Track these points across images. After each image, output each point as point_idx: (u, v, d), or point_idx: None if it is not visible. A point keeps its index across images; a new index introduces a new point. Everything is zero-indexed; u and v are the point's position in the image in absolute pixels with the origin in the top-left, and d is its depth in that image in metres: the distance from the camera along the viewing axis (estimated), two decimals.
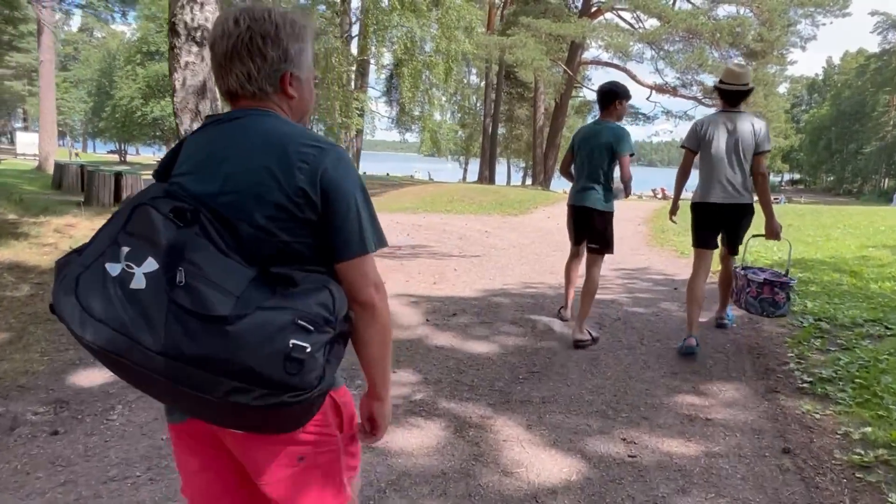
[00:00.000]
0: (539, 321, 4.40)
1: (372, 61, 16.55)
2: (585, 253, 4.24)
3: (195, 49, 5.28)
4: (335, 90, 16.10)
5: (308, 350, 0.94)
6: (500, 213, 12.01)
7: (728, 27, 19.15)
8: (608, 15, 23.18)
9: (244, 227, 1.05)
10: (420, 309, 4.63)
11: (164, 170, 1.16)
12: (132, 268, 0.96)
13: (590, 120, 31.75)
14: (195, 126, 5.39)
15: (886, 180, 63.91)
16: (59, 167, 14.82)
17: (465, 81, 46.99)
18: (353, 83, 18.04)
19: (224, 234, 1.01)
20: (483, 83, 28.94)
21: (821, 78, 74.69)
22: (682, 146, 4.04)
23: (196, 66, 5.31)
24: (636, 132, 71.04)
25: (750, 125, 3.72)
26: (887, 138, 60.23)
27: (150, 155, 61.87)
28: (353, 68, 16.92)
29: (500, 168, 51.38)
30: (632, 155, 3.89)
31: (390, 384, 1.25)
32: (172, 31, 5.26)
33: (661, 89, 24.53)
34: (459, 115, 49.24)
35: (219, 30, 1.12)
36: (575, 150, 4.10)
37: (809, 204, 36.78)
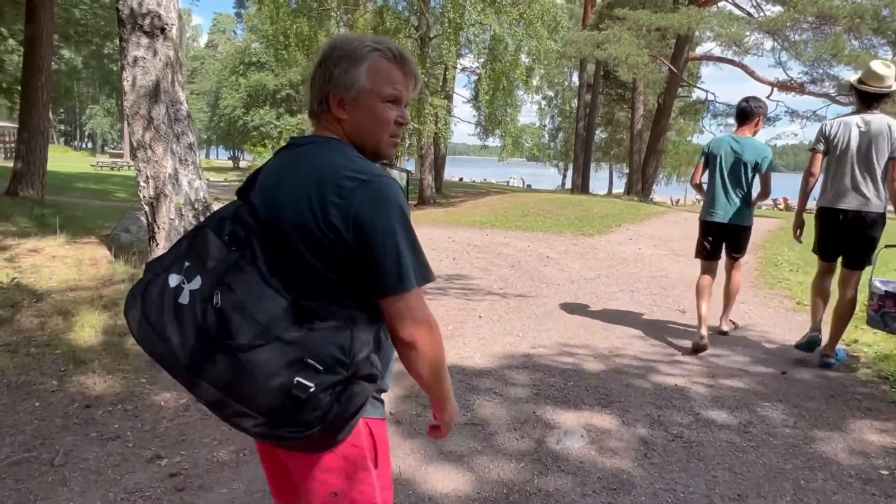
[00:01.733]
0: (556, 430, 2.90)
1: (449, 63, 15.26)
2: (724, 260, 4.47)
3: (145, 41, 4.26)
4: None
5: (311, 390, 0.96)
6: (575, 231, 10.33)
7: (872, 9, 15.98)
8: (721, 4, 20.49)
9: (288, 255, 1.08)
10: (390, 393, 3.28)
11: (245, 188, 1.20)
12: (184, 283, 1.06)
13: (708, 125, 28.76)
14: (147, 136, 4.40)
15: None
16: None
17: (567, 84, 44.87)
18: (429, 87, 16.97)
19: (270, 260, 1.05)
20: (573, 83, 26.84)
21: None
22: (811, 149, 3.88)
23: (147, 61, 4.29)
24: (756, 136, 64.54)
25: (886, 127, 3.53)
26: None
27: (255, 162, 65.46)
28: (426, 70, 15.79)
29: (602, 174, 48.63)
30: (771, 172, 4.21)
31: (449, 400, 1.23)
32: (119, 20, 4.30)
33: (784, 86, 21.29)
34: (559, 119, 47.15)
35: None
36: (713, 162, 4.23)
37: None
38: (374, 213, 1.06)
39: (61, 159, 41.70)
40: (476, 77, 18.53)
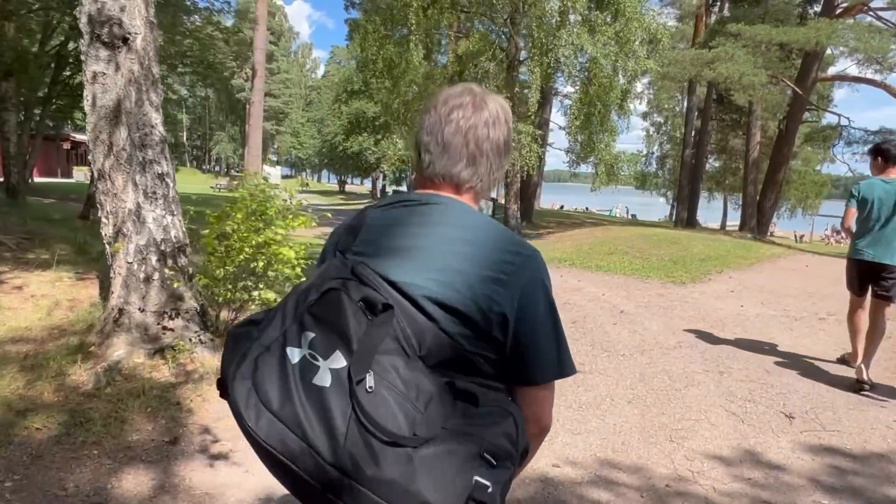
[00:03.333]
0: None
1: (533, 86, 14.19)
2: (870, 300, 4.46)
3: (104, 53, 3.62)
4: None
5: (490, 491, 0.84)
6: (665, 277, 8.78)
7: None
8: (860, 16, 17.81)
9: (427, 327, 0.95)
10: None
11: (343, 243, 1.10)
12: (317, 359, 0.87)
13: (840, 154, 25.26)
14: (107, 165, 3.74)
15: None
16: None
17: (678, 109, 41.99)
18: (516, 113, 15.98)
19: (409, 333, 0.93)
20: (685, 108, 24.62)
21: None
22: None
23: (107, 77, 3.65)
24: None
25: None
26: None
27: (359, 184, 67.58)
28: (513, 95, 14.81)
29: (716, 205, 44.82)
30: None
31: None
32: (78, 30, 3.70)
33: None
34: (668, 146, 44.20)
35: None
36: (866, 206, 4.35)
37: None
38: (538, 295, 1.03)
39: (189, 181, 45.39)
40: (569, 102, 17.27)
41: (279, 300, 1.06)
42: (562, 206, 53.10)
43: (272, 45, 63.99)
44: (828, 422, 3.56)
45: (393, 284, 0.98)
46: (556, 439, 3.28)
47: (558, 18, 13.74)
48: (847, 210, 4.53)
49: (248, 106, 26.83)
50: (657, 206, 55.06)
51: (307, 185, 61.33)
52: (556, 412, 3.58)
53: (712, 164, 41.00)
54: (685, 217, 23.59)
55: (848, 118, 21.21)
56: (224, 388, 0.93)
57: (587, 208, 54.95)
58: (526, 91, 15.63)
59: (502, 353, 1.02)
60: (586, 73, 16.23)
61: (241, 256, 4.06)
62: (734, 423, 3.56)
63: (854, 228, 4.51)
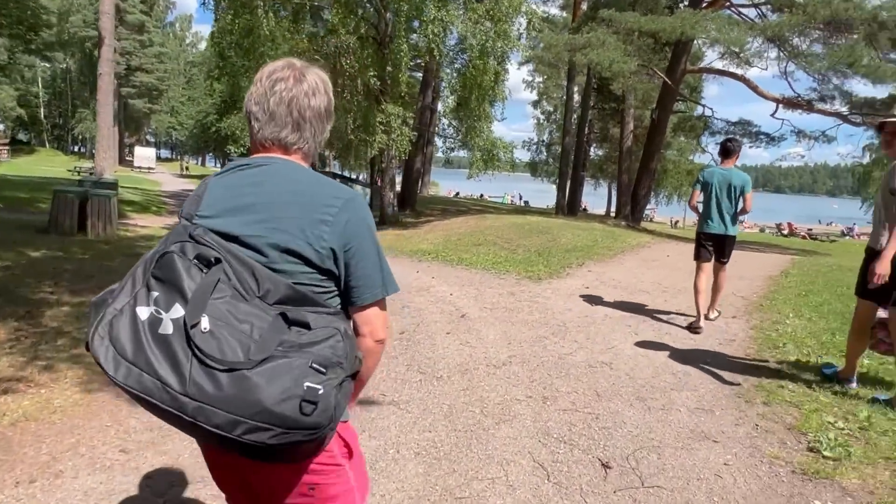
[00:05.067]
0: None
1: (402, 64, 13.13)
2: (713, 264, 5.63)
3: None
4: (347, 100, 13.05)
5: (321, 392, 1.02)
6: (524, 271, 8.14)
7: (892, 19, 13.88)
8: (724, 12, 18.38)
9: (264, 272, 1.12)
10: None
11: (190, 210, 1.22)
12: (160, 313, 1.04)
13: (705, 144, 26.53)
14: None
15: None
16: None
17: (563, 97, 42.82)
18: (388, 93, 14.86)
19: (245, 278, 1.10)
20: (565, 96, 24.68)
21: None
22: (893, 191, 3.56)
23: None
24: (757, 155, 62.91)
25: None
26: None
27: None
28: (381, 74, 13.65)
29: (603, 192, 46.40)
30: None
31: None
32: None
33: (791, 103, 19.13)
34: (557, 133, 45.00)
35: None
36: (707, 189, 5.52)
37: None
38: (361, 229, 1.23)
39: (46, 163, 39.75)
40: (444, 85, 16.40)
41: None
42: (457, 194, 52.86)
43: (143, 16, 58.08)
44: (649, 471, 2.85)
45: (235, 239, 1.16)
46: None
47: None
48: (693, 192, 5.68)
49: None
50: (550, 193, 56.49)
51: (187, 168, 56.52)
52: None
53: (595, 152, 42.33)
54: (566, 205, 23.71)
55: (712, 109, 22.13)
56: (88, 348, 1.07)
57: (482, 195, 55.19)
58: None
59: (338, 284, 1.24)
60: (460, 54, 15.49)
61: None
62: (537, 483, 2.76)
63: (700, 208, 5.63)
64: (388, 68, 14.17)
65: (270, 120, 1.26)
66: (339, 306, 1.23)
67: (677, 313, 6.10)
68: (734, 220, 5.50)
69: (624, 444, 3.14)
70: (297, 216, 1.17)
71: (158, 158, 69.52)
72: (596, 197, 49.45)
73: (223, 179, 1.25)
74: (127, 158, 56.72)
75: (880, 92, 23.63)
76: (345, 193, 1.23)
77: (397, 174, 21.88)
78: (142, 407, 1.06)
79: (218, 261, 1.09)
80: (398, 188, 21.93)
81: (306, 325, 1.08)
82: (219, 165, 60.42)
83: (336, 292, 1.23)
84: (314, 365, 1.03)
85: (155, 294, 1.05)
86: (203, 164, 76.26)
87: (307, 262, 1.16)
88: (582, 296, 6.80)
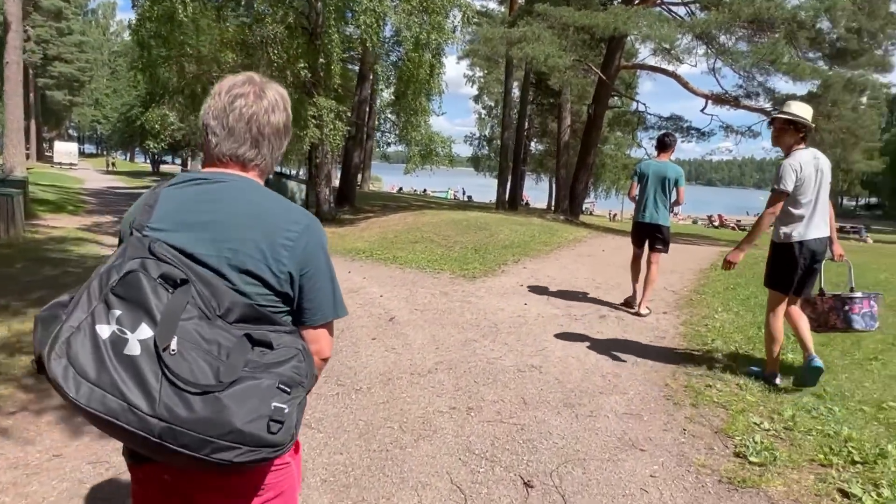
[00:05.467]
0: None
1: (334, 55, 12.65)
2: (648, 253, 5.94)
3: None
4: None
5: (286, 411, 1.05)
6: (458, 269, 7.94)
7: (809, 19, 14.47)
8: (655, 10, 18.76)
9: (225, 291, 1.12)
10: None
11: (141, 221, 1.19)
12: (125, 332, 1.01)
13: (639, 139, 27.18)
14: None
15: None
16: None
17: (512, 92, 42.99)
18: (321, 86, 14.32)
19: (208, 298, 1.09)
20: (504, 91, 24.69)
21: None
22: (779, 189, 3.72)
23: None
24: (689, 149, 65.47)
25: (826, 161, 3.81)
26: None
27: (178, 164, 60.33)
28: (304, 65, 13.11)
29: (543, 186, 46.97)
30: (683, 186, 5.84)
31: None
32: None
33: (719, 99, 19.76)
34: (499, 129, 45.26)
35: None
36: (643, 180, 5.84)
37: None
38: (318, 252, 1.25)
39: None
40: (378, 78, 15.99)
41: None
42: (400, 189, 52.35)
43: (60, 1, 54.48)
44: (573, 489, 2.67)
45: (191, 256, 1.13)
46: None
47: None
48: (631, 184, 6.01)
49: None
50: (493, 188, 56.76)
51: (113, 164, 53.39)
52: None
53: (536, 147, 42.80)
54: (507, 199, 23.77)
55: (646, 105, 22.64)
56: (42, 367, 1.02)
57: (425, 190, 54.91)
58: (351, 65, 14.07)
59: (291, 304, 1.24)
60: (395, 47, 15.14)
61: None
62: None
63: (638, 198, 5.93)
64: (321, 60, 13.66)
65: (229, 136, 1.25)
66: (291, 324, 1.26)
67: (610, 307, 6.03)
68: (668, 210, 5.84)
69: (548, 458, 2.95)
70: (257, 238, 1.17)
71: (82, 154, 65.49)
72: (538, 191, 50.13)
73: (178, 192, 1.22)
74: (46, 154, 53.25)
75: (800, 89, 24.83)
76: (304, 218, 1.25)
77: (336, 169, 21.33)
78: (98, 428, 1.03)
79: (185, 281, 1.07)
80: (336, 184, 21.39)
81: (269, 345, 1.10)
82: (148, 161, 57.52)
83: (288, 311, 1.24)
84: (280, 385, 1.05)
85: (117, 312, 1.02)
86: (132, 159, 72.50)
87: (266, 284, 1.17)
88: (516, 294, 6.65)
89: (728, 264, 3.97)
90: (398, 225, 13.50)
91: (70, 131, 73.25)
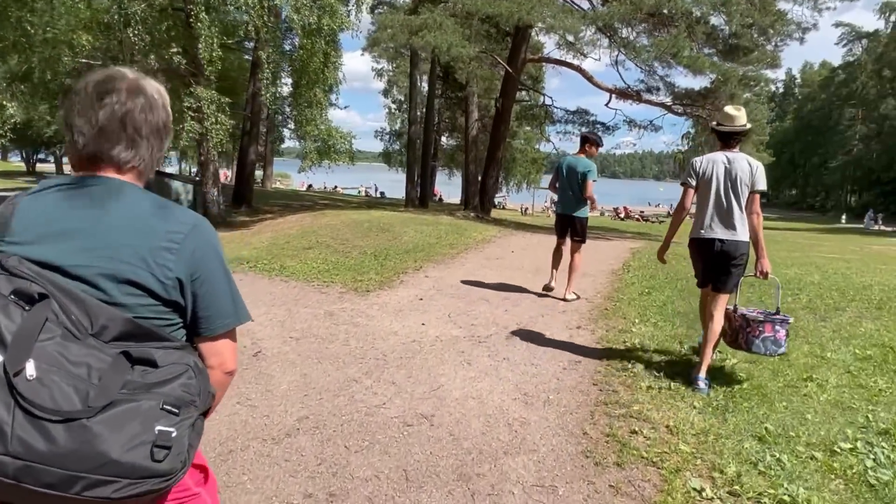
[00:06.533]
0: None
1: (206, 40, 11.18)
2: (569, 243, 6.39)
3: None
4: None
5: (174, 435, 0.93)
6: (351, 282, 6.96)
7: (704, 15, 14.64)
8: (559, 2, 18.49)
9: (98, 306, 0.99)
10: None
11: None
12: None
13: (546, 133, 27.17)
14: None
15: (851, 196, 61.84)
16: None
17: (419, 85, 42.08)
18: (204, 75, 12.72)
19: (76, 314, 0.97)
20: (409, 83, 23.73)
21: (780, 91, 72.85)
22: (682, 183, 4.08)
23: None
24: None
25: (746, 164, 3.82)
26: (854, 152, 58.06)
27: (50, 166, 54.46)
28: (176, 50, 11.57)
29: (457, 181, 46.50)
30: (594, 181, 6.07)
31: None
32: None
33: (623, 94, 19.94)
34: (409, 124, 44.32)
35: None
36: (559, 174, 6.27)
37: (784, 228, 32.92)
38: (209, 255, 1.12)
39: None
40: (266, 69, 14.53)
41: None
42: (310, 186, 50.16)
43: None
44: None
45: (59, 270, 1.00)
46: None
47: None
48: (552, 177, 6.51)
49: None
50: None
51: None
52: None
53: (448, 141, 42.28)
54: (417, 197, 22.92)
55: (552, 98, 22.54)
56: None
57: (335, 187, 53.03)
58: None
59: (184, 315, 1.11)
60: (289, 34, 13.83)
61: None
62: None
63: (558, 191, 6.42)
64: (200, 45, 12.12)
65: (100, 135, 1.10)
66: (185, 339, 1.13)
67: (518, 326, 5.29)
68: (580, 202, 6.14)
69: None
70: (136, 244, 1.04)
71: None
72: (452, 186, 49.71)
73: (38, 200, 1.08)
74: None
75: (697, 84, 25.63)
76: (190, 218, 1.13)
77: (231, 167, 19.57)
78: None
79: (43, 296, 0.94)
80: (230, 182, 19.64)
81: (152, 363, 0.98)
82: (22, 160, 51.83)
83: (181, 324, 1.12)
84: (165, 406, 0.94)
85: None
86: (4, 158, 65.14)
87: (150, 293, 1.05)
88: (414, 311, 5.77)
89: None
90: (293, 228, 12.27)
91: None
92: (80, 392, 0.88)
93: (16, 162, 59.68)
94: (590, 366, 4.27)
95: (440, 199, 43.70)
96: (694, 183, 3.94)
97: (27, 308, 0.91)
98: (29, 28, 10.59)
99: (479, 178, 21.12)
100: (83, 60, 11.22)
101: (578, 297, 6.27)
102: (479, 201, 20.15)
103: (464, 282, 7.14)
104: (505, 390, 3.81)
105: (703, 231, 3.89)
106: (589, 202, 6.19)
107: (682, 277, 7.36)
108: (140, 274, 1.03)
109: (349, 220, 12.58)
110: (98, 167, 1.12)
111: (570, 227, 6.26)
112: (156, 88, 1.18)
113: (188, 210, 1.16)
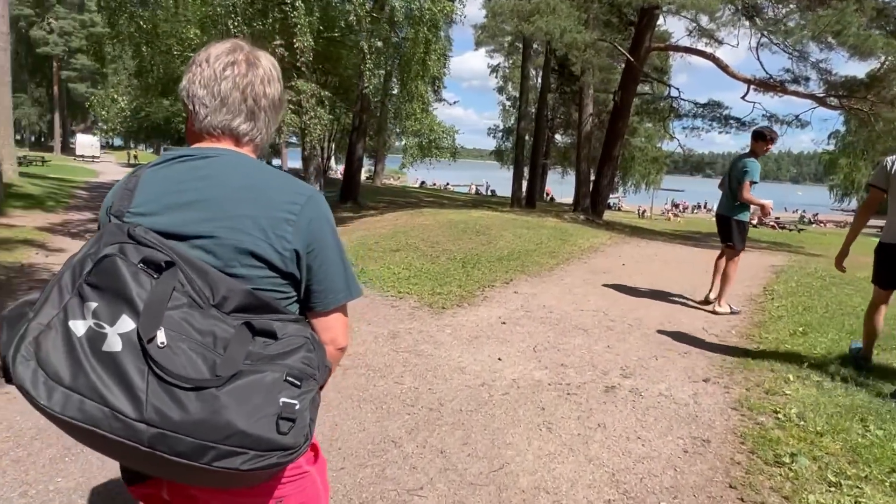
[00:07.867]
0: None
1: (304, 31, 10.83)
2: (723, 248, 5.88)
3: None
4: None
5: (297, 407, 0.92)
6: (427, 297, 6.04)
7: None
8: None
9: (220, 277, 0.98)
10: None
11: (119, 207, 1.05)
12: (103, 327, 0.87)
13: (671, 129, 24.78)
14: None
15: None
16: None
17: (532, 83, 40.74)
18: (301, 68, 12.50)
19: (199, 284, 0.95)
20: (521, 77, 22.47)
21: None
22: (869, 184, 3.93)
23: None
24: (727, 142, 62.15)
25: None
26: None
27: None
28: (279, 42, 11.33)
29: (570, 180, 44.56)
30: (753, 182, 5.43)
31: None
32: None
33: (763, 85, 17.39)
34: (518, 119, 43.13)
35: None
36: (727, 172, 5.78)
37: None
38: (324, 228, 1.10)
39: None
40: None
41: None
42: (422, 183, 50.53)
43: None
44: None
45: (180, 239, 0.99)
46: None
47: None
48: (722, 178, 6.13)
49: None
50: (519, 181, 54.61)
51: (135, 157, 52.82)
52: None
53: (563, 139, 40.45)
54: (523, 197, 21.70)
55: (678, 89, 20.35)
56: (7, 374, 0.89)
57: (447, 184, 53.08)
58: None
59: (299, 289, 1.09)
60: (392, 25, 13.25)
61: None
62: None
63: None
64: (297, 34, 11.84)
65: (221, 106, 1.10)
66: (299, 312, 1.11)
67: (622, 375, 4.06)
68: (734, 203, 5.66)
69: None
70: (256, 214, 1.03)
71: (111, 147, 65.05)
72: (565, 185, 47.66)
73: (160, 172, 1.07)
74: (70, 146, 53.21)
75: (860, 70, 21.92)
76: (306, 189, 1.11)
77: (340, 162, 19.60)
78: (78, 440, 0.90)
79: (170, 264, 0.93)
80: (339, 177, 19.66)
81: (273, 335, 0.97)
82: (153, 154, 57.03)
83: (296, 297, 1.10)
84: (289, 378, 0.92)
85: (92, 305, 0.88)
86: (157, 151, 72.28)
87: (269, 265, 1.03)
88: (491, 339, 4.74)
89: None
90: (387, 227, 11.67)
91: (101, 124, 72.91)
92: (207, 361, 0.88)
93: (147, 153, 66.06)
94: (724, 450, 3.00)
95: (551, 199, 41.99)
96: (883, 184, 3.75)
97: (156, 276, 0.91)
98: (142, 24, 10.82)
99: (592, 178, 19.51)
100: (191, 54, 11.37)
101: (733, 311, 5.69)
102: (590, 202, 18.55)
103: (558, 302, 5.97)
104: (594, 483, 2.68)
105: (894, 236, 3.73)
106: (752, 206, 5.70)
107: (848, 312, 5.67)
108: (260, 245, 1.02)
109: (445, 221, 11.76)
110: (217, 139, 1.12)
111: (722, 228, 5.84)
112: (270, 61, 1.17)
113: (304, 182, 1.13)
